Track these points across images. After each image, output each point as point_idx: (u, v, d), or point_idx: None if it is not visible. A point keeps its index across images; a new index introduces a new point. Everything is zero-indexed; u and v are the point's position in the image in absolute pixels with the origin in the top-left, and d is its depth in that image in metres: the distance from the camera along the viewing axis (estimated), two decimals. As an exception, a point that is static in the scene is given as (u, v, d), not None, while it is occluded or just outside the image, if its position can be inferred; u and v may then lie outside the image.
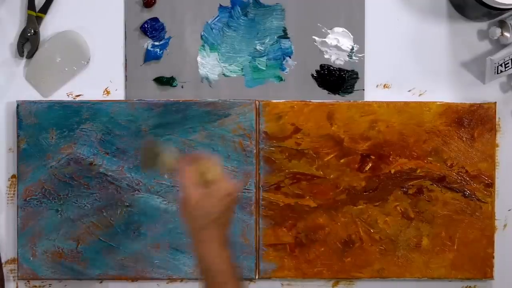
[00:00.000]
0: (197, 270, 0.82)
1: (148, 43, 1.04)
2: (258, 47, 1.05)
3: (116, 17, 1.04)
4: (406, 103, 1.04)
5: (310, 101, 1.04)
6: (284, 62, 1.05)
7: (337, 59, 1.05)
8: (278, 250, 1.04)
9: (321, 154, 1.04)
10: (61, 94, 1.04)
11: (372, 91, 1.05)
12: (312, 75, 1.05)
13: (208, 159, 0.83)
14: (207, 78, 1.05)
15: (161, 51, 1.04)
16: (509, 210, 1.06)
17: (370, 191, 1.04)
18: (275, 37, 1.05)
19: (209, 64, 1.05)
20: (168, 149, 0.88)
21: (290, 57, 1.05)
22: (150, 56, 1.04)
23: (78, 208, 1.03)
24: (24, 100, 1.03)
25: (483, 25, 1.05)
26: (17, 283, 1.04)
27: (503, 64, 1.02)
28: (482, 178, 1.04)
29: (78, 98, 1.04)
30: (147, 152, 0.91)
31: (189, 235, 0.82)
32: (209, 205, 0.80)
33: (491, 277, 1.05)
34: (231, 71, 1.05)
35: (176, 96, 1.04)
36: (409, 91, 1.06)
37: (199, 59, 1.05)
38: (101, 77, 1.04)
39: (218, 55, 1.05)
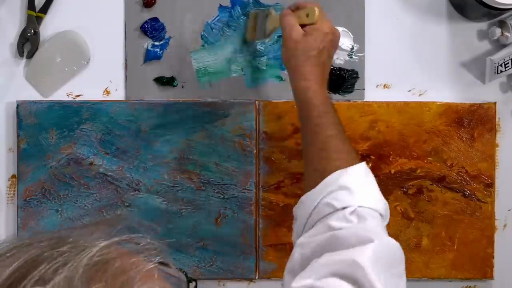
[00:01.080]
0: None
1: (148, 43, 1.04)
2: (258, 47, 1.05)
3: (116, 17, 1.04)
4: (406, 103, 1.04)
5: (310, 101, 1.04)
6: (284, 62, 1.05)
7: (337, 59, 1.05)
8: (278, 250, 1.03)
9: (321, 154, 1.03)
10: (61, 94, 1.04)
11: (372, 91, 1.05)
12: (312, 75, 1.05)
13: (309, 4, 0.88)
14: (207, 78, 1.05)
15: (161, 51, 1.04)
16: (509, 210, 1.06)
17: (370, 191, 1.04)
18: (275, 37, 1.05)
19: (209, 64, 1.05)
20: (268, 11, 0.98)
21: (290, 57, 1.05)
22: (150, 56, 1.04)
23: (78, 208, 1.03)
24: (24, 100, 1.03)
25: (483, 25, 1.05)
26: (17, 283, 1.04)
27: (503, 64, 1.01)
28: (482, 178, 1.04)
29: (78, 98, 1.04)
30: (257, 19, 0.97)
31: (290, 73, 0.87)
32: (307, 44, 0.85)
33: (491, 277, 1.05)
34: (231, 71, 1.05)
35: (176, 96, 1.04)
36: (409, 91, 1.06)
37: (199, 59, 1.05)
38: (101, 77, 1.04)
39: (218, 55, 1.05)
